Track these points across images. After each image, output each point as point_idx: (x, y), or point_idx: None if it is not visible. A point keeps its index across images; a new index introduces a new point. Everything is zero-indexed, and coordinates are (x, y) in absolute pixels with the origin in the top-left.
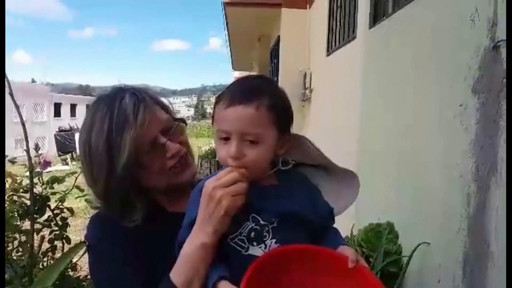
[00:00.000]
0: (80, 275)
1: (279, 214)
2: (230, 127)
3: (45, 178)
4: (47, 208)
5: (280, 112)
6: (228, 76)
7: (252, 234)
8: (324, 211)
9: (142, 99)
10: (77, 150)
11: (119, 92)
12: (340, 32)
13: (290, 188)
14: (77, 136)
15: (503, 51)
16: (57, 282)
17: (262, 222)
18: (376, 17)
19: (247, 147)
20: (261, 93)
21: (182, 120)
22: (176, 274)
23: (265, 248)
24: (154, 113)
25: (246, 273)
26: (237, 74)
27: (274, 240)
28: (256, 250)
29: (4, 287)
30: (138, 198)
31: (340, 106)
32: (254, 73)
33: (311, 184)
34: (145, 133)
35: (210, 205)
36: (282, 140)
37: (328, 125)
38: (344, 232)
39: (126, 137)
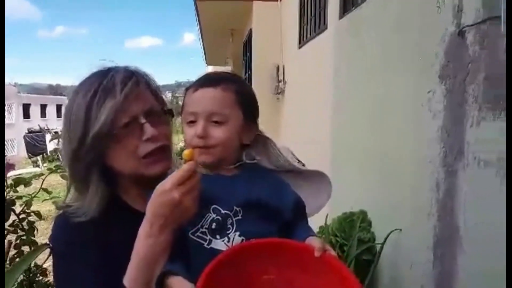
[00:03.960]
0: (50, 280)
1: (241, 202)
2: (198, 107)
3: (10, 181)
4: (12, 213)
5: (246, 97)
6: (202, 71)
7: (214, 225)
8: (290, 200)
9: (135, 74)
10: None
11: (115, 67)
12: (312, 23)
13: (253, 178)
14: (47, 136)
15: (468, 36)
16: None
17: (223, 211)
18: (345, 7)
19: (214, 127)
20: (228, 79)
21: (170, 112)
22: (133, 279)
23: (228, 241)
24: (142, 92)
25: (205, 269)
26: (211, 68)
27: (237, 233)
28: (219, 244)
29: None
30: (100, 182)
31: (313, 97)
32: (228, 67)
33: (277, 177)
34: (127, 107)
35: (176, 210)
36: (247, 128)
37: (302, 117)
38: (319, 221)
39: (107, 104)
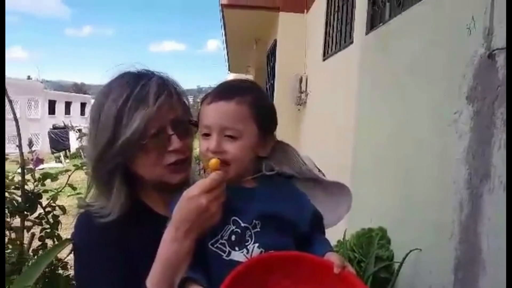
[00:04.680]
0: (70, 274)
1: (260, 215)
2: (211, 121)
3: (37, 175)
4: (39, 206)
5: (262, 111)
6: (225, 78)
7: (233, 237)
8: (309, 213)
9: (167, 86)
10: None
11: (147, 73)
12: (337, 37)
13: (271, 190)
14: (71, 134)
15: (499, 59)
16: (46, 280)
17: (242, 224)
18: (373, 22)
19: (227, 142)
20: (243, 91)
21: (195, 123)
22: (155, 282)
23: (247, 253)
24: (173, 104)
25: (224, 281)
26: (233, 76)
27: (256, 245)
28: (238, 255)
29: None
30: (122, 185)
31: (336, 110)
32: (250, 76)
33: (295, 188)
34: (157, 117)
35: (202, 216)
36: (263, 141)
37: (323, 129)
38: (337, 236)
39: (140, 113)
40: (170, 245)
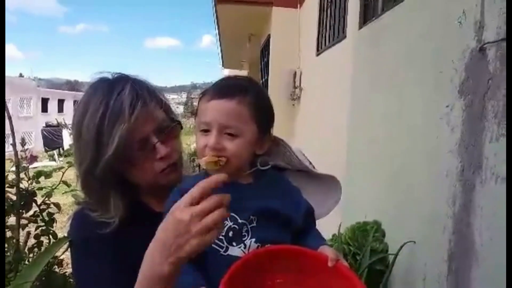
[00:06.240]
0: (66, 272)
1: (257, 211)
2: (211, 118)
3: (31, 173)
4: (33, 203)
5: (262, 110)
6: (218, 74)
7: (231, 233)
8: (302, 208)
9: (141, 94)
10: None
11: (120, 81)
12: (330, 31)
13: (267, 186)
14: (64, 132)
15: (489, 53)
16: (43, 279)
17: (240, 220)
18: (365, 17)
19: (226, 139)
20: (244, 90)
21: (178, 123)
22: None
23: (245, 248)
24: (151, 111)
25: (224, 276)
26: (227, 72)
27: (253, 240)
28: (236, 251)
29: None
30: (118, 193)
31: (330, 105)
32: (244, 71)
33: (289, 183)
34: (137, 129)
35: (183, 236)
36: (262, 140)
37: (317, 123)
38: (331, 230)
39: (118, 129)
40: (150, 266)
